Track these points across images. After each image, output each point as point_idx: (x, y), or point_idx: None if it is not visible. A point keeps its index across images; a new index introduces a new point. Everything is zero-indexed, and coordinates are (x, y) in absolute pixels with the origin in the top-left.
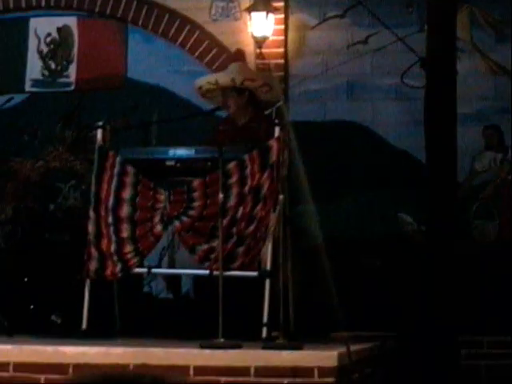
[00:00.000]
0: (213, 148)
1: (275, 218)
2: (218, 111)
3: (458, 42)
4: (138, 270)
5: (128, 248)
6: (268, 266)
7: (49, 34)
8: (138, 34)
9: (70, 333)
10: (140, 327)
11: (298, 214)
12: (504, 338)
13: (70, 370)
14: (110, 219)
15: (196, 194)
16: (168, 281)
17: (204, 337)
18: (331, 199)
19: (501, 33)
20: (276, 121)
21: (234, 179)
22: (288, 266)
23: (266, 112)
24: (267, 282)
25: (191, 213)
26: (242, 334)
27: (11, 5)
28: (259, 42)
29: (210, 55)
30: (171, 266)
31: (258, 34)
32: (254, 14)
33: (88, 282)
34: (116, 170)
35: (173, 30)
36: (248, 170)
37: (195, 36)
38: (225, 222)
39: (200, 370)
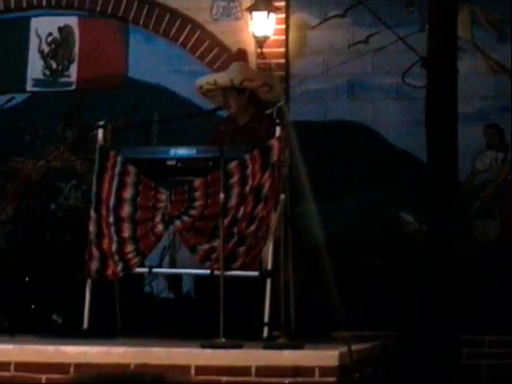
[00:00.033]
0: (214, 148)
1: (276, 217)
2: (219, 111)
3: (459, 41)
4: (139, 269)
5: (129, 248)
6: (269, 266)
7: (50, 34)
8: (139, 34)
9: (71, 332)
10: (141, 327)
11: (298, 214)
12: (505, 337)
13: (71, 370)
14: (111, 219)
15: (197, 194)
16: (169, 280)
17: (205, 336)
18: (332, 199)
19: (501, 32)
20: (277, 120)
21: (235, 179)
22: (289, 265)
23: (267, 112)
24: (268, 282)
25: (192, 212)
26: (243, 333)
27: (12, 4)
28: (260, 42)
29: (211, 55)
30: (172, 265)
31: (259, 33)
32: (254, 13)
33: (89, 282)
34: (117, 170)
35: (174, 30)
36: (249, 170)
37: (196, 36)
38: (226, 221)
39: (201, 370)
